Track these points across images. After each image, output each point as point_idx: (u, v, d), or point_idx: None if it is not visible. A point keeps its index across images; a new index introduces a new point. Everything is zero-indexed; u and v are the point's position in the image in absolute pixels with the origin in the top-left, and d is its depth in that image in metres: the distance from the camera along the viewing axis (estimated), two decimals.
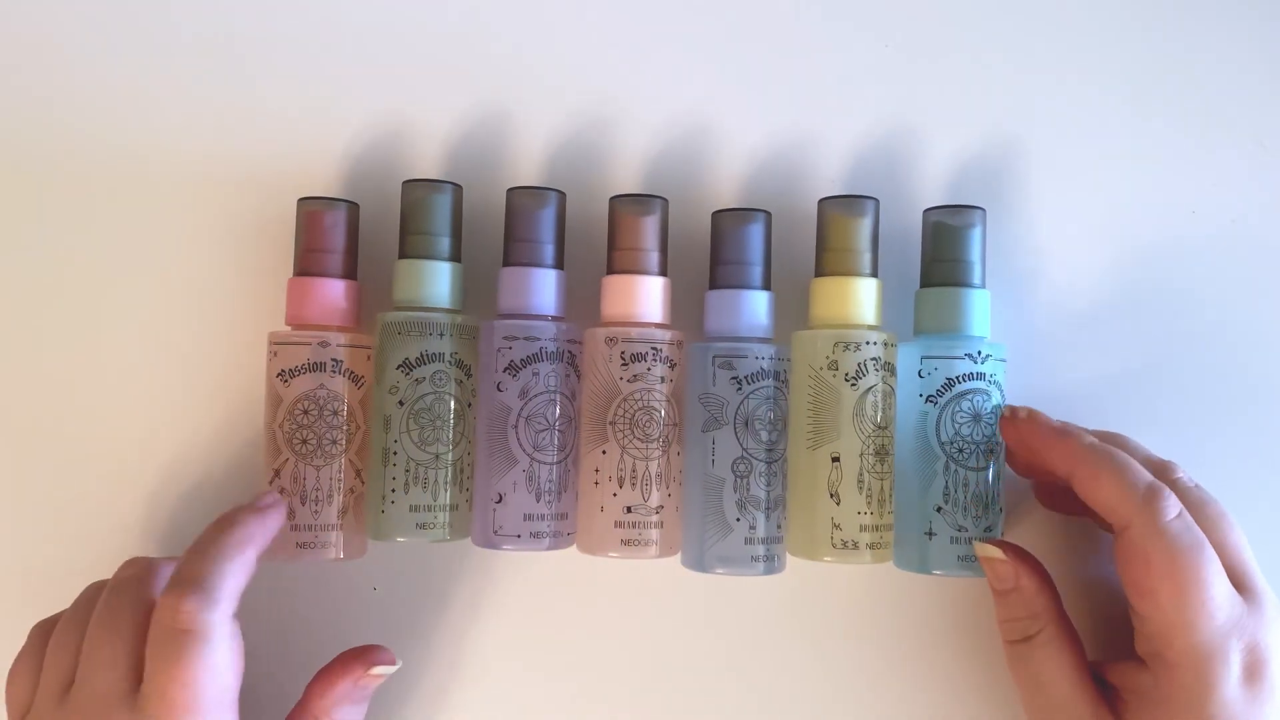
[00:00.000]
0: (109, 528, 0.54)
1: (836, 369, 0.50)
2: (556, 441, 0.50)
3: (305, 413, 0.50)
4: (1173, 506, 0.46)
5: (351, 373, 0.51)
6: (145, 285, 0.55)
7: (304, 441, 0.50)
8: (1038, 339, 0.56)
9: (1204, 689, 0.44)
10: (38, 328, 0.55)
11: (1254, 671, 0.45)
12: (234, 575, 0.46)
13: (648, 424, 0.50)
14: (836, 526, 0.50)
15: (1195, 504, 0.48)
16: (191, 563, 0.46)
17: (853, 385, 0.50)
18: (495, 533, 0.50)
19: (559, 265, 0.52)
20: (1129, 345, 0.56)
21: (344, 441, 0.51)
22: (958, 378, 0.50)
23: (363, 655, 0.50)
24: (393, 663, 0.50)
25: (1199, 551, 0.45)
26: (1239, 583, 0.46)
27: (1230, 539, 0.48)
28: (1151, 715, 0.46)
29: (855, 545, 0.50)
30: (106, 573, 0.53)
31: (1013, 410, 0.50)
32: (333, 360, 0.51)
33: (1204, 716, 0.44)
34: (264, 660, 0.54)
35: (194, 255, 0.55)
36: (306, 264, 0.52)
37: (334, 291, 0.51)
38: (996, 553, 0.49)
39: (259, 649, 0.54)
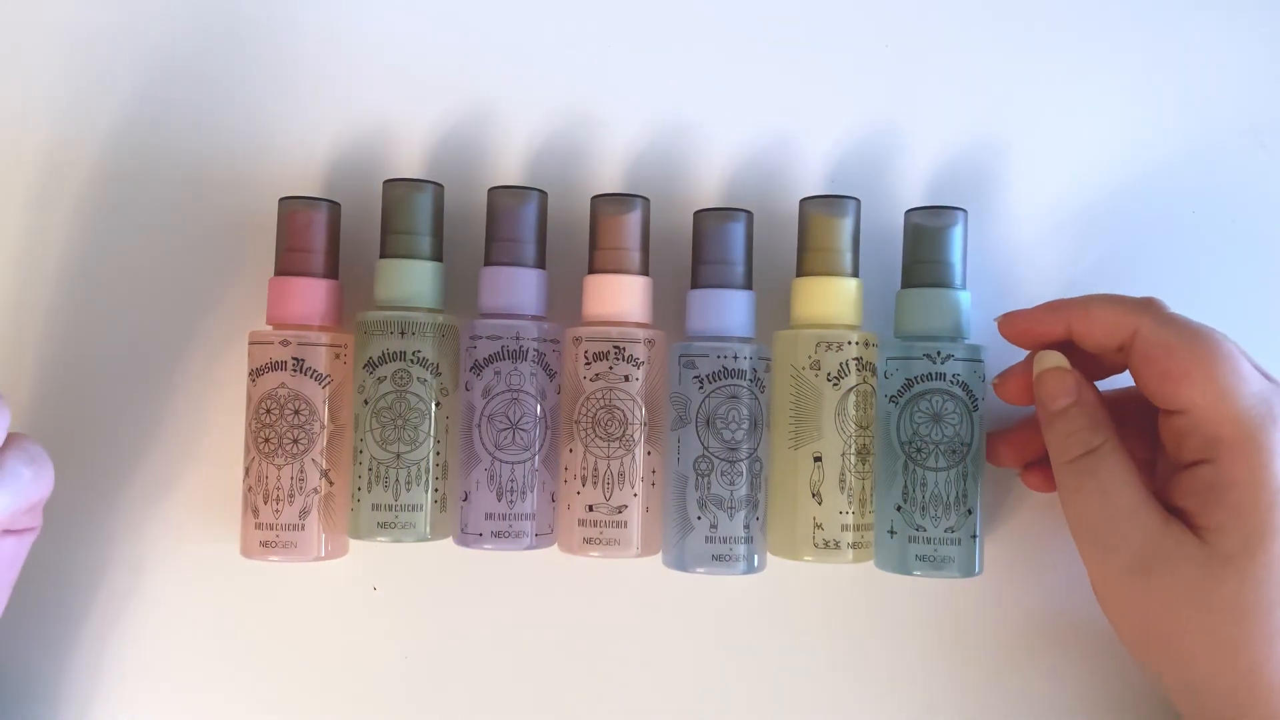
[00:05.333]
0: (93, 525, 0.55)
1: (819, 369, 0.50)
2: (520, 441, 0.51)
3: (268, 411, 0.51)
4: (1169, 308, 0.47)
5: (314, 371, 0.51)
6: (130, 284, 0.56)
7: (266, 440, 0.51)
8: None
9: (1269, 457, 0.43)
10: (21, 325, 0.56)
11: None
12: None
13: (609, 422, 0.50)
14: (818, 526, 0.50)
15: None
16: None
17: (835, 385, 0.50)
18: (462, 530, 0.51)
19: (540, 265, 0.52)
20: None
21: (306, 441, 0.51)
22: (916, 378, 0.50)
23: None
24: None
25: (1211, 331, 0.45)
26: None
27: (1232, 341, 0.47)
28: (1226, 503, 0.43)
29: (837, 545, 0.50)
30: (89, 570, 0.55)
31: (1003, 316, 0.51)
32: (293, 359, 0.51)
33: (1276, 489, 0.43)
34: (264, 659, 0.55)
35: (180, 254, 0.56)
36: (286, 263, 0.52)
37: (312, 291, 0.52)
38: (1061, 360, 0.48)
39: (258, 648, 0.55)
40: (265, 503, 0.50)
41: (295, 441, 0.51)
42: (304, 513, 0.51)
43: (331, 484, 0.51)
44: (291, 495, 0.51)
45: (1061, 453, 0.48)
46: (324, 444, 0.51)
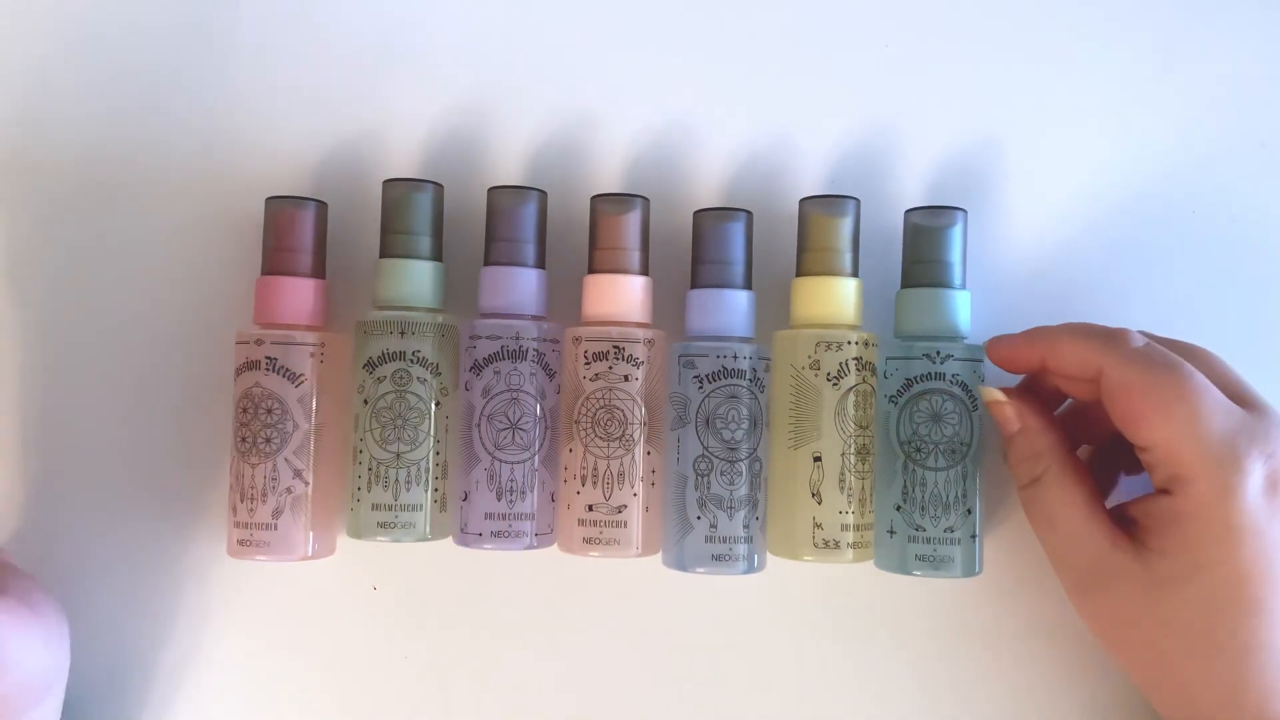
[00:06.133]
0: (88, 524, 0.55)
1: (818, 368, 0.50)
2: (520, 441, 0.51)
3: (244, 410, 0.51)
4: (1138, 338, 0.47)
5: (287, 370, 0.51)
6: (127, 284, 0.56)
7: (243, 439, 0.51)
8: None
9: (1223, 496, 0.43)
10: (9, 325, 0.56)
11: (1277, 483, 0.44)
12: None
13: (609, 422, 0.50)
14: (818, 526, 0.50)
15: (1167, 343, 0.48)
16: None
17: (834, 385, 0.50)
18: (462, 530, 0.51)
19: (540, 265, 0.52)
20: None
21: (279, 440, 0.51)
22: (915, 378, 0.50)
23: None
24: None
25: (1176, 367, 0.45)
26: (1238, 398, 0.46)
27: (1212, 362, 0.48)
28: (1175, 534, 0.45)
29: (837, 545, 0.50)
30: (85, 570, 0.55)
31: (990, 341, 0.51)
32: (267, 358, 0.51)
33: (1227, 526, 0.43)
34: (264, 660, 0.55)
35: (178, 254, 0.56)
36: (273, 263, 0.52)
37: (294, 290, 0.52)
38: (998, 395, 0.50)
39: (259, 648, 0.55)
40: (242, 501, 0.51)
41: (269, 440, 0.51)
42: (277, 512, 0.51)
43: (307, 483, 0.51)
44: (265, 494, 0.50)
45: (1015, 479, 0.50)
46: (300, 443, 0.51)
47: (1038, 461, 0.49)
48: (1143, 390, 0.45)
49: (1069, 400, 0.53)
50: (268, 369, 0.51)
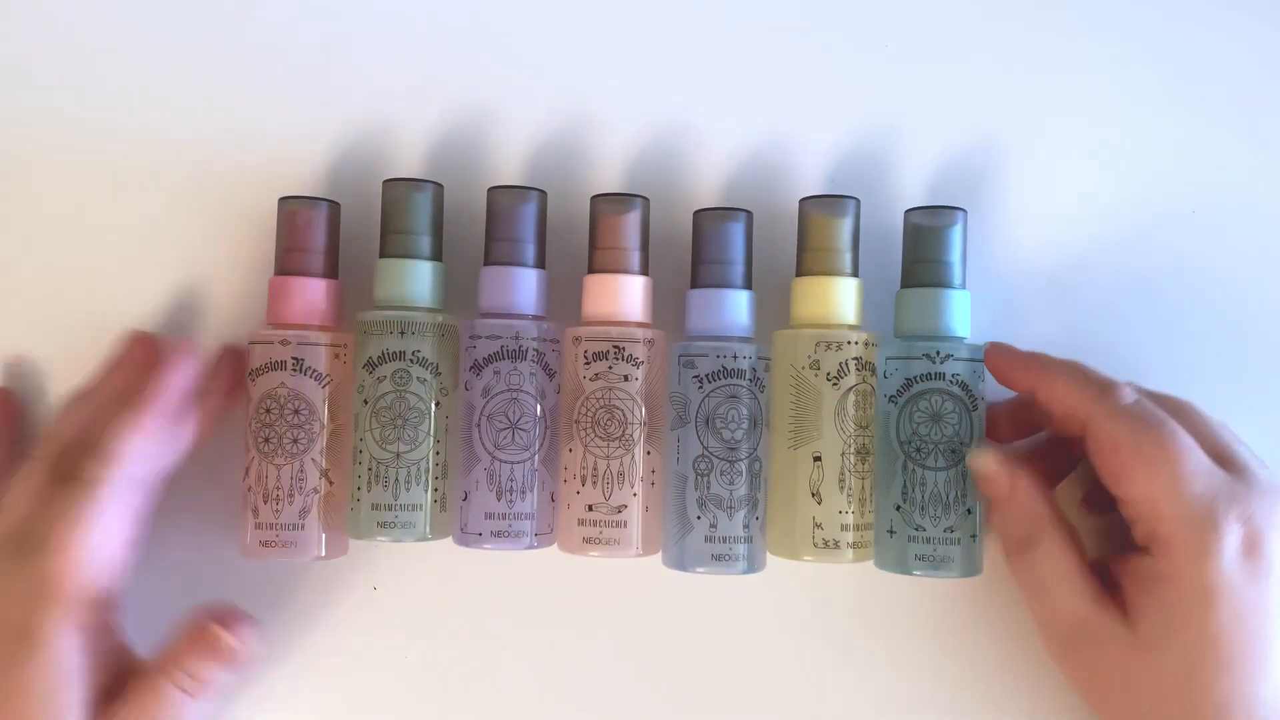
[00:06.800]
0: None
1: (818, 368, 0.50)
2: (519, 441, 0.51)
3: (268, 411, 0.51)
4: (1129, 394, 0.47)
5: (314, 371, 0.51)
6: (130, 284, 0.56)
7: (266, 440, 0.51)
8: (1026, 341, 0.55)
9: (1200, 558, 0.44)
10: (23, 323, 0.56)
11: (1253, 546, 0.45)
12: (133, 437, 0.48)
13: (609, 422, 0.50)
14: (818, 526, 0.50)
15: (1157, 397, 0.49)
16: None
17: (834, 385, 0.50)
18: (462, 530, 0.51)
19: (540, 264, 0.52)
20: (1124, 347, 0.56)
21: (306, 441, 0.51)
22: (915, 378, 0.50)
23: (222, 618, 0.50)
24: (242, 639, 0.50)
25: (1162, 425, 0.46)
26: (1222, 459, 0.46)
27: (1199, 421, 0.48)
28: (1155, 595, 0.46)
29: (836, 545, 0.50)
30: None
31: (991, 345, 0.51)
32: (293, 359, 0.51)
33: (1204, 587, 0.44)
34: (263, 659, 0.55)
35: (181, 254, 0.56)
36: (286, 263, 0.52)
37: (311, 290, 0.52)
38: (990, 465, 0.49)
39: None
40: (265, 502, 0.51)
41: (295, 441, 0.51)
42: (304, 512, 0.51)
43: (331, 483, 0.51)
44: (291, 495, 0.51)
45: (1002, 541, 0.50)
46: (324, 443, 0.51)
47: (1029, 525, 0.49)
48: (1129, 447, 0.46)
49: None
50: (294, 369, 0.51)
